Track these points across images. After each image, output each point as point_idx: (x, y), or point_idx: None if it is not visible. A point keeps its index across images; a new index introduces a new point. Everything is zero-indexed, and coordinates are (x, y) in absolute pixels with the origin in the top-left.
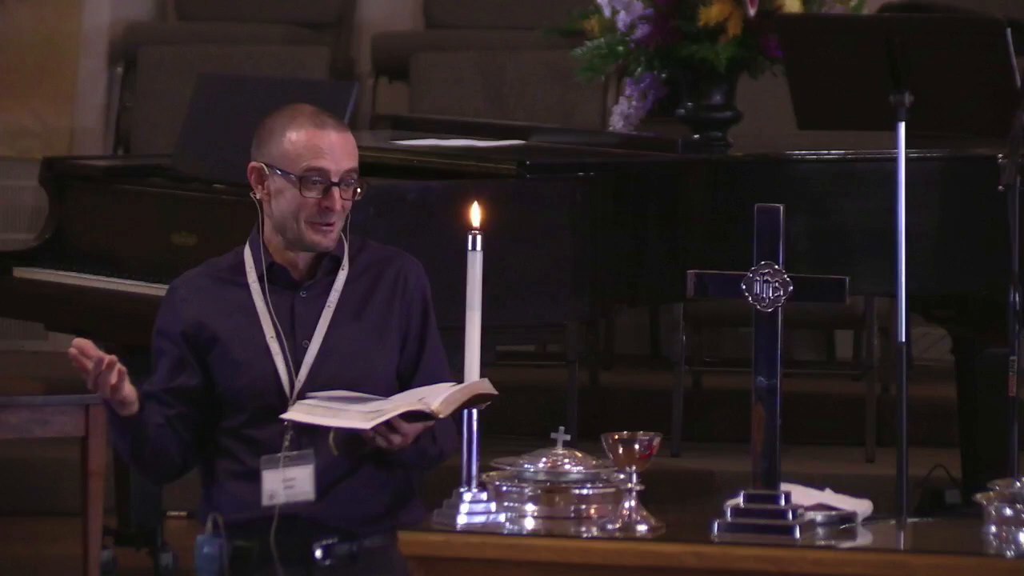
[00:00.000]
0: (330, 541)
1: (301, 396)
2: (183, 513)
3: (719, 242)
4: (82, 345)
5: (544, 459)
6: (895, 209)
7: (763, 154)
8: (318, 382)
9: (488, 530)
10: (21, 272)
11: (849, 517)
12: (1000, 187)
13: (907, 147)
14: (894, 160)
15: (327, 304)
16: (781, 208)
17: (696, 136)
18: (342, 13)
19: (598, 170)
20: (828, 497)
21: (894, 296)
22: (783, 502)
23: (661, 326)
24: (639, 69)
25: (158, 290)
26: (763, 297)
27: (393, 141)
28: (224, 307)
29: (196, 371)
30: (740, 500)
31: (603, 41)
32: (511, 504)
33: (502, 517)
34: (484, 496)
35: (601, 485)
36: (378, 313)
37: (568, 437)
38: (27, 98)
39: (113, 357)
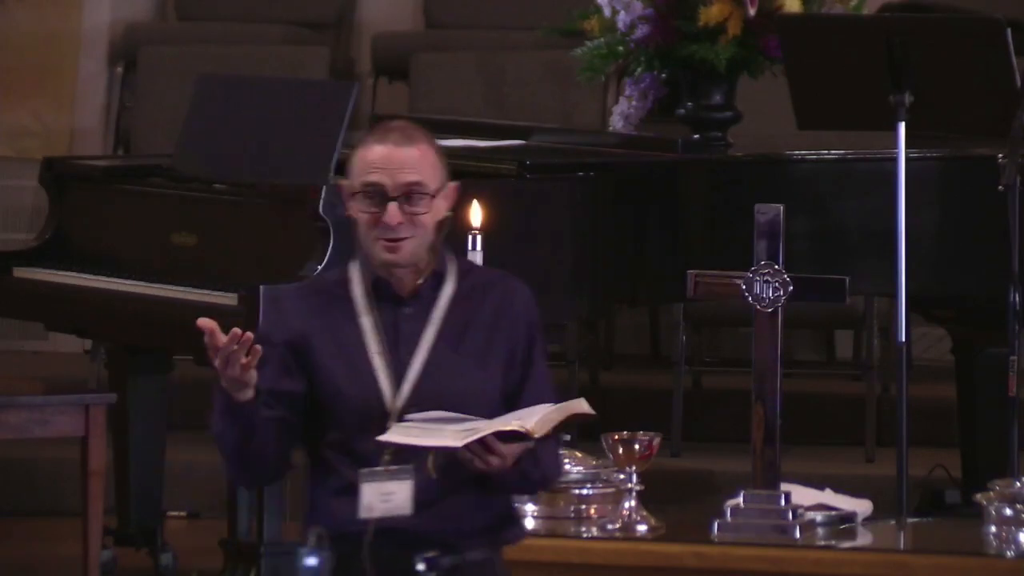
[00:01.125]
0: (432, 553)
1: (403, 412)
2: (183, 513)
3: (719, 242)
4: (210, 324)
5: None
6: (895, 209)
7: (763, 154)
8: (420, 399)
9: None
10: (21, 272)
11: (849, 517)
12: (1000, 187)
13: (907, 147)
14: (894, 160)
15: (430, 322)
16: (781, 208)
17: (696, 136)
18: (342, 13)
19: (598, 170)
20: (828, 497)
21: (894, 296)
22: (783, 502)
23: (661, 326)
24: (639, 69)
25: (158, 290)
26: (763, 297)
27: None
28: (329, 320)
29: (300, 379)
30: (740, 500)
31: (603, 41)
32: None
33: None
34: None
35: (601, 485)
36: (481, 336)
37: (568, 437)
38: (27, 98)
39: (249, 334)
